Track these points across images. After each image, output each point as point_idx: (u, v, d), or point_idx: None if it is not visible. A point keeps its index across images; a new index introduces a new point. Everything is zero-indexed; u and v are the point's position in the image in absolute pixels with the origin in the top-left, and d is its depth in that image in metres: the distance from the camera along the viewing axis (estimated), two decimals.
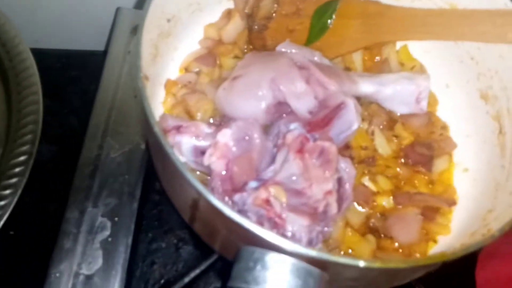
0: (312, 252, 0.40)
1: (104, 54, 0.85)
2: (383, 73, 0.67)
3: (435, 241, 0.60)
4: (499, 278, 0.60)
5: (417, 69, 0.70)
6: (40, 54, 0.76)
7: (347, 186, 0.56)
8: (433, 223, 0.60)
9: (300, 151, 0.54)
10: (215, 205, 0.41)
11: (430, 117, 0.67)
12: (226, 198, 0.53)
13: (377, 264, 0.41)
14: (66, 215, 0.64)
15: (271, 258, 0.41)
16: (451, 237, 0.59)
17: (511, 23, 0.54)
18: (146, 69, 0.53)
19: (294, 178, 0.54)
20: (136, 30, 0.77)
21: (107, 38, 0.92)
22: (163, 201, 0.66)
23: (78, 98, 0.96)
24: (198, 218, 0.50)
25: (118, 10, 0.81)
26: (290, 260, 0.41)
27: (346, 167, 0.57)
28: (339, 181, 0.56)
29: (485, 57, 0.62)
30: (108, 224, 0.64)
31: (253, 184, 0.53)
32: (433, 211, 0.61)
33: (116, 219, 0.64)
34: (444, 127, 0.68)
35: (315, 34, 0.66)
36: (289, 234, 0.51)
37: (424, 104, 0.64)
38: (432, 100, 0.69)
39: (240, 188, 0.53)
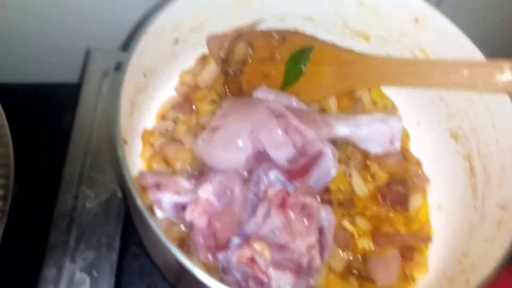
0: None
1: (74, 87, 0.84)
2: (357, 112, 0.69)
3: (414, 280, 0.62)
4: None
5: (389, 107, 0.72)
6: (7, 89, 0.73)
7: (328, 235, 0.57)
8: (412, 262, 0.62)
9: (282, 206, 0.55)
10: (200, 280, 0.41)
11: (404, 155, 0.69)
12: (209, 256, 0.53)
13: None
14: (43, 273, 0.61)
15: None
16: (429, 277, 0.61)
17: (479, 74, 0.56)
18: (124, 129, 0.52)
19: (277, 232, 0.54)
20: (107, 73, 0.77)
21: (77, 70, 0.91)
22: (144, 253, 0.64)
23: (48, 135, 0.94)
24: (182, 283, 0.49)
25: (88, 51, 0.79)
26: None
27: (326, 215, 0.58)
28: (320, 231, 0.57)
29: (454, 99, 0.65)
30: (87, 279, 0.62)
31: (236, 240, 0.53)
32: (411, 250, 0.63)
33: (95, 274, 0.62)
34: (418, 163, 0.70)
35: (290, 79, 0.67)
36: None
37: (397, 144, 0.66)
38: (404, 136, 0.71)
39: (224, 245, 0.53)
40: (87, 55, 0.79)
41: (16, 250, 0.70)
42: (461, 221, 0.62)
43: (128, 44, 0.63)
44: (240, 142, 0.58)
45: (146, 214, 0.43)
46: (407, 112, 0.71)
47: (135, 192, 0.44)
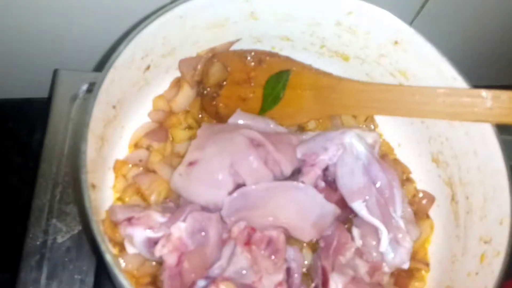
0: None
1: (43, 102, 0.80)
2: (335, 127, 0.67)
3: None
4: None
5: (369, 120, 0.70)
6: None
7: (296, 276, 0.56)
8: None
9: (248, 243, 0.53)
10: None
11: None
12: None
13: None
14: None
15: None
16: None
17: (460, 103, 0.55)
18: (92, 169, 0.49)
19: (243, 272, 0.53)
20: (76, 96, 0.74)
21: (47, 85, 0.87)
22: None
23: (18, 153, 0.91)
24: None
25: (56, 72, 0.75)
26: None
27: (295, 255, 0.57)
28: (288, 272, 0.55)
29: (435, 122, 0.63)
30: None
31: (201, 283, 0.51)
32: (406, 277, 0.61)
33: None
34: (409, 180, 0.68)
35: (268, 104, 0.64)
36: None
37: (376, 152, 0.63)
38: (390, 149, 0.70)
39: (189, 287, 0.51)
40: (55, 76, 0.75)
41: None
42: (445, 249, 0.61)
43: (100, 65, 0.60)
44: (220, 178, 0.56)
45: (116, 270, 0.41)
46: (388, 132, 0.70)
47: (103, 247, 0.41)
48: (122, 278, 0.40)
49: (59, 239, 0.64)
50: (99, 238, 0.41)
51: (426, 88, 0.58)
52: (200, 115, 0.67)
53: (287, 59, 0.64)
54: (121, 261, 0.54)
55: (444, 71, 0.59)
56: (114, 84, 0.52)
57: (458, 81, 0.58)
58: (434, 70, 0.60)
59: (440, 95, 0.56)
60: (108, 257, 0.40)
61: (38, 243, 0.63)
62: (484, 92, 0.54)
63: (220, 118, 0.67)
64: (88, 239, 0.63)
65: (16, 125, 0.92)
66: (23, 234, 0.64)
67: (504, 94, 0.53)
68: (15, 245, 0.65)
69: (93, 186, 0.47)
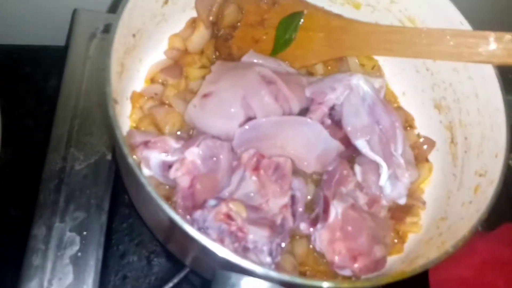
0: (285, 277, 0.43)
1: (60, 50, 0.82)
2: (341, 72, 0.69)
3: (407, 238, 0.63)
4: (451, 279, 0.65)
5: (376, 68, 0.72)
6: None
7: (300, 204, 0.59)
8: (403, 223, 0.63)
9: (256, 168, 0.56)
10: (190, 234, 0.42)
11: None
12: (188, 216, 0.55)
13: (345, 285, 0.44)
14: (33, 232, 0.63)
15: (247, 282, 0.44)
16: (410, 239, 0.63)
17: (465, 44, 0.57)
18: (114, 89, 0.52)
19: (251, 195, 0.56)
20: (94, 34, 0.76)
21: (63, 33, 0.89)
22: (133, 214, 0.66)
23: (33, 97, 0.93)
24: (172, 241, 0.51)
25: (75, 11, 0.78)
26: (264, 284, 0.43)
27: (299, 185, 0.60)
28: (292, 199, 0.59)
29: (440, 69, 0.66)
30: (77, 239, 0.63)
31: (212, 202, 0.54)
32: (402, 212, 0.63)
33: (85, 233, 0.64)
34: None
35: (280, 46, 0.67)
36: (251, 246, 0.53)
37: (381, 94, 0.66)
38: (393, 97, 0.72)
39: (200, 206, 0.54)
40: (74, 16, 0.77)
41: (5, 211, 0.71)
42: (440, 188, 0.64)
43: (115, 6, 0.62)
44: (232, 109, 0.59)
45: (138, 172, 0.44)
46: (393, 81, 0.73)
47: (126, 151, 0.44)
48: (142, 179, 0.43)
49: (77, 166, 0.68)
50: (121, 142, 0.44)
51: (434, 30, 0.60)
52: (214, 56, 0.70)
53: (301, 1, 0.66)
54: None
55: (452, 16, 0.61)
56: (135, 10, 0.54)
57: (465, 25, 0.60)
58: (442, 15, 0.62)
59: (447, 36, 0.58)
60: (130, 160, 0.44)
61: (57, 168, 0.67)
62: (488, 33, 0.56)
63: (234, 59, 0.69)
64: (111, 158, 0.65)
65: (33, 70, 0.94)
66: (41, 162, 0.68)
67: (507, 35, 0.55)
68: (31, 172, 0.69)
69: (115, 101, 0.50)
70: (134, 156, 0.57)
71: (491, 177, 0.53)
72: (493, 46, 0.56)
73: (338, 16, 0.65)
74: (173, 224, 0.42)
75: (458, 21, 0.61)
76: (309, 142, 0.60)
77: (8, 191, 0.74)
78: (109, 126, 0.47)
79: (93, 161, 0.69)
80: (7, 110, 0.74)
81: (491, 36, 0.56)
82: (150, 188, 0.43)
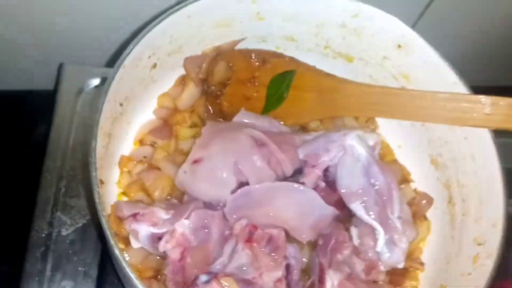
0: None
1: (49, 94, 0.80)
2: (337, 128, 0.68)
3: None
4: None
5: (371, 121, 0.71)
6: None
7: (295, 273, 0.58)
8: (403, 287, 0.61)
9: (249, 240, 0.55)
10: None
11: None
12: None
13: None
14: None
15: None
16: None
17: (460, 109, 0.56)
18: (101, 166, 0.50)
19: (244, 268, 0.54)
20: (80, 91, 0.75)
21: (52, 77, 0.87)
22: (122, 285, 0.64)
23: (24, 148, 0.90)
24: None
25: (61, 66, 0.76)
26: None
27: (295, 253, 0.58)
28: (287, 268, 0.57)
29: (435, 125, 0.64)
30: None
31: (203, 278, 0.53)
32: (401, 275, 0.62)
33: None
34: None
35: (272, 104, 0.65)
36: None
37: (376, 154, 0.64)
38: (389, 151, 0.71)
39: (191, 283, 0.52)
40: (60, 70, 0.76)
41: None
42: (439, 250, 0.62)
43: (113, 60, 0.60)
44: (224, 176, 0.57)
45: (125, 264, 0.42)
46: (388, 134, 0.71)
47: (112, 242, 0.43)
48: (129, 272, 0.41)
49: (64, 232, 0.66)
50: (108, 233, 0.42)
51: (427, 93, 0.59)
52: (206, 114, 0.68)
53: (292, 59, 0.65)
54: (126, 255, 0.56)
55: (445, 76, 0.60)
56: (122, 82, 0.53)
57: (459, 86, 0.59)
58: (436, 74, 0.61)
59: (440, 100, 0.57)
60: (117, 252, 0.42)
61: (43, 235, 0.65)
62: (483, 98, 0.55)
63: (225, 116, 0.68)
64: (97, 233, 0.64)
65: (19, 116, 0.92)
66: (26, 227, 0.65)
67: (502, 101, 0.54)
68: (17, 237, 0.66)
69: (102, 182, 0.48)
70: (125, 227, 0.55)
71: (490, 249, 0.52)
72: (488, 111, 0.55)
73: (330, 76, 0.64)
74: None
75: (452, 81, 0.60)
76: (302, 211, 0.59)
77: None
78: (93, 209, 0.45)
79: (80, 225, 0.66)
80: None
81: (487, 100, 0.55)
82: (137, 282, 0.41)
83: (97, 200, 0.44)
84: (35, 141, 0.89)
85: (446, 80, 0.60)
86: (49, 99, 0.76)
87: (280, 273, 0.55)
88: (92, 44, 0.78)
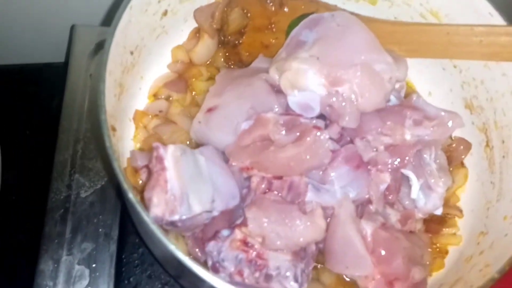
0: None
1: (63, 66, 0.79)
2: None
3: (447, 253, 0.57)
4: None
5: None
6: None
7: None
8: (441, 235, 0.58)
9: (269, 189, 0.51)
10: (201, 277, 0.38)
11: None
12: (197, 250, 0.50)
13: None
14: (39, 267, 0.59)
15: None
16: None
17: (498, 43, 0.51)
18: (112, 114, 0.48)
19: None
20: (96, 49, 0.72)
21: (64, 49, 0.86)
22: (144, 243, 0.62)
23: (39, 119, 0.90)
24: (183, 277, 0.47)
25: (73, 28, 0.74)
26: None
27: None
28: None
29: (469, 65, 0.60)
30: (86, 272, 0.59)
31: (225, 232, 0.50)
32: (438, 223, 0.58)
33: (94, 265, 0.60)
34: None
35: None
36: (273, 273, 0.48)
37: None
38: None
39: (212, 237, 0.50)
40: (72, 32, 0.74)
41: (10, 244, 0.67)
42: (477, 198, 0.58)
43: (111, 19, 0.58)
44: (239, 123, 0.54)
45: (139, 208, 0.39)
46: (418, 80, 0.67)
47: (126, 186, 0.40)
48: (144, 216, 0.39)
49: (83, 194, 0.64)
50: (120, 177, 0.40)
51: (462, 27, 0.54)
52: (226, 65, 0.65)
53: (311, 0, 0.61)
54: None
55: (480, 7, 0.55)
56: (130, 26, 0.50)
57: (495, 17, 0.54)
58: (469, 6, 0.56)
59: (477, 34, 0.52)
60: (130, 195, 0.39)
61: (61, 197, 0.63)
62: None
63: (245, 66, 0.64)
64: (115, 193, 0.62)
65: (36, 90, 0.91)
66: (45, 192, 0.64)
67: None
68: (36, 201, 0.65)
69: (113, 129, 0.45)
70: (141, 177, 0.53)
71: None
72: None
73: (355, 15, 0.59)
74: (182, 265, 0.38)
75: (487, 12, 0.55)
76: None
77: (13, 219, 0.71)
78: (106, 157, 0.42)
79: (99, 187, 0.64)
80: (11, 131, 0.70)
81: None
82: (154, 227, 0.38)
83: (107, 144, 0.41)
84: (51, 113, 0.88)
85: (481, 11, 0.55)
86: (64, 72, 0.74)
87: None
88: (102, 4, 0.76)
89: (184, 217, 0.44)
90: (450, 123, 0.54)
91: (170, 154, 0.44)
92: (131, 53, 0.54)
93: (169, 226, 0.45)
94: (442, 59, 0.60)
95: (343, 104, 0.52)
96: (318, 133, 0.51)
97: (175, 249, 0.38)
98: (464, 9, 0.57)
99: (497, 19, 0.54)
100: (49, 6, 0.80)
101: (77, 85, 0.71)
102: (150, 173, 0.45)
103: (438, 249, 0.57)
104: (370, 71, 0.51)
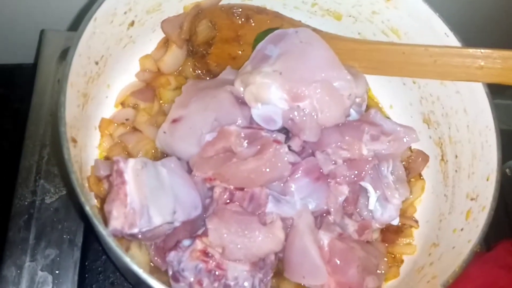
0: None
1: (32, 67, 0.78)
2: None
3: (402, 262, 0.60)
4: None
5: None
6: None
7: None
8: (396, 244, 0.60)
9: (231, 200, 0.53)
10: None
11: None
12: (157, 259, 0.51)
13: None
14: (2, 273, 0.59)
15: None
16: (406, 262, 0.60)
17: (451, 63, 0.54)
18: (73, 125, 0.48)
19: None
20: (63, 55, 0.72)
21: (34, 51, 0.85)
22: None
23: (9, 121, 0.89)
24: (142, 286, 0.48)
25: (42, 32, 0.74)
26: None
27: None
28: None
29: (427, 82, 0.62)
30: (49, 278, 0.60)
31: (186, 242, 0.51)
32: (394, 233, 0.61)
33: (57, 272, 0.60)
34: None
35: None
36: (232, 283, 0.50)
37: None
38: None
39: (173, 247, 0.51)
40: (41, 37, 0.73)
41: None
42: (432, 209, 0.61)
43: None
44: (203, 134, 0.55)
45: (96, 222, 0.40)
46: (380, 94, 0.69)
47: (83, 199, 0.41)
48: (101, 229, 0.40)
49: (47, 200, 0.64)
50: (78, 190, 0.40)
51: (417, 47, 0.57)
52: (194, 74, 0.66)
53: (276, 15, 0.63)
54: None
55: (436, 28, 0.58)
56: (95, 37, 0.51)
57: (450, 38, 0.57)
58: (426, 27, 0.59)
59: (431, 55, 0.54)
60: (87, 208, 0.40)
61: (26, 203, 0.63)
62: (475, 51, 0.53)
63: (215, 76, 0.65)
64: (71, 196, 0.62)
65: (6, 91, 0.90)
66: (9, 198, 0.64)
67: (495, 53, 0.52)
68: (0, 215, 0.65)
69: (74, 140, 0.46)
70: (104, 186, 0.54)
71: (482, 202, 0.50)
72: (480, 64, 0.53)
73: (316, 31, 0.61)
74: (139, 279, 0.39)
75: (443, 33, 0.57)
76: None
77: None
78: (64, 169, 0.43)
79: (64, 193, 0.65)
80: None
81: (479, 54, 0.52)
82: (109, 239, 0.39)
83: (66, 157, 0.42)
84: (22, 115, 0.87)
85: (437, 32, 0.58)
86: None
87: None
88: (71, 9, 0.76)
89: (144, 229, 0.45)
90: (405, 139, 0.56)
91: (130, 168, 0.45)
92: (96, 63, 0.54)
93: (130, 237, 0.46)
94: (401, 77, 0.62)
95: (304, 118, 0.54)
96: (278, 147, 0.52)
97: (130, 262, 0.39)
98: (421, 28, 0.59)
99: (453, 40, 0.57)
100: (19, 9, 0.80)
101: (45, 90, 0.71)
102: (111, 185, 0.46)
103: (394, 258, 0.60)
104: (329, 87, 0.53)
